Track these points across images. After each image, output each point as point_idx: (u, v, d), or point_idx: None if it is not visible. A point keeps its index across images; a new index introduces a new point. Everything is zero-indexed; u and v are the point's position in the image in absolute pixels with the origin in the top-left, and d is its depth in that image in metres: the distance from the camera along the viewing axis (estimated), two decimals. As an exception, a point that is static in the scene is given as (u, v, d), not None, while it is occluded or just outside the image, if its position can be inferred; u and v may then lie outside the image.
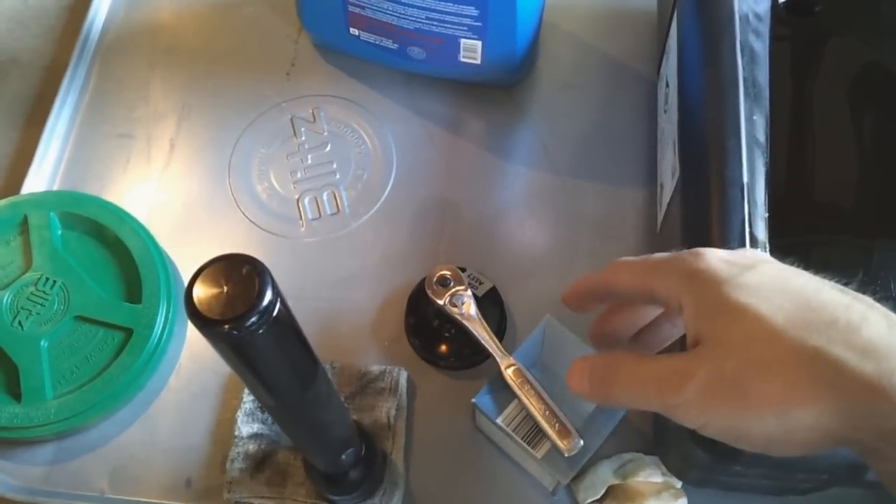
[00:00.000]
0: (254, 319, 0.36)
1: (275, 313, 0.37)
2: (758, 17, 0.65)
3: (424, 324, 0.68)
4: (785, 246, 0.56)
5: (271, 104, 0.81)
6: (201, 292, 0.36)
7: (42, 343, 0.68)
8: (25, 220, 0.72)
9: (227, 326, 0.36)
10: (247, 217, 0.75)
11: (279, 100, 0.81)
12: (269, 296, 0.37)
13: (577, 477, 0.62)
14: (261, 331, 0.37)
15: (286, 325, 0.39)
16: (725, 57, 0.61)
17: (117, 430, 0.68)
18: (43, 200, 0.73)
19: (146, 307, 0.69)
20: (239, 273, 0.37)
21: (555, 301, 0.70)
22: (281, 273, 0.71)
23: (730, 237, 0.55)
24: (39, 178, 0.77)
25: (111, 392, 0.67)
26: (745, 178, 0.56)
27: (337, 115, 0.80)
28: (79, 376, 0.68)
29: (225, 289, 0.37)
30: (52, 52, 0.86)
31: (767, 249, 0.55)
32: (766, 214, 0.56)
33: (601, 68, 0.82)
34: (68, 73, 0.82)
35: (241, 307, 0.36)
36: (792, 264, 0.44)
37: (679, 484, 0.62)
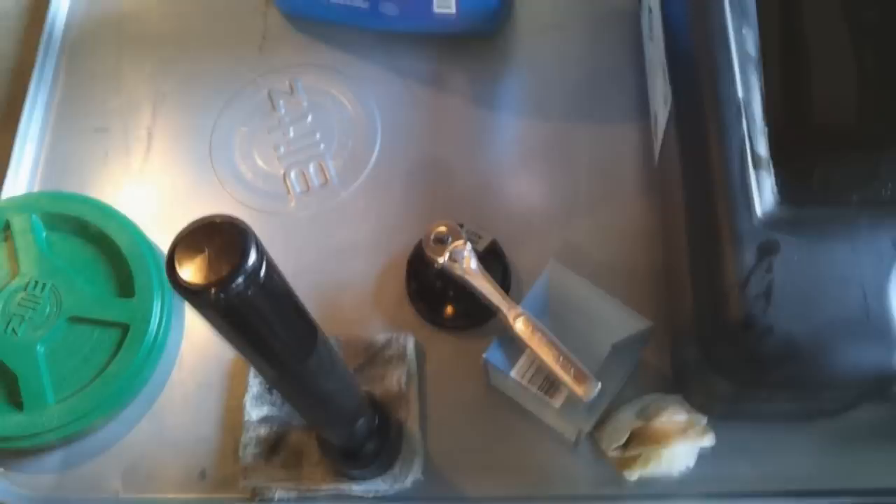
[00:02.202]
0: (240, 280, 0.34)
1: (261, 273, 0.35)
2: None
3: (426, 287, 0.66)
4: (789, 156, 0.54)
5: (246, 81, 0.78)
6: (183, 260, 0.35)
7: (38, 348, 0.66)
8: (8, 226, 0.70)
9: (213, 291, 0.34)
10: (234, 198, 0.73)
11: (254, 75, 0.78)
12: (253, 255, 0.35)
13: (599, 424, 0.60)
14: (249, 292, 0.35)
15: (276, 285, 0.37)
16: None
17: (125, 429, 0.66)
18: (23, 203, 0.71)
19: (140, 301, 0.67)
20: (220, 235, 0.35)
21: (559, 249, 0.69)
22: (275, 250, 0.69)
23: (730, 157, 0.52)
24: (18, 181, 0.75)
25: (114, 391, 0.65)
26: (741, 94, 0.54)
27: (315, 84, 0.77)
28: (79, 378, 0.66)
29: (207, 253, 0.35)
30: (17, 53, 0.84)
31: (771, 164, 0.53)
32: (766, 129, 0.54)
33: (581, 6, 0.79)
34: (35, 73, 0.79)
35: (225, 269, 0.34)
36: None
37: (704, 420, 0.60)
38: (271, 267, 0.36)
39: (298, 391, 0.47)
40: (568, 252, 0.69)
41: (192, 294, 0.34)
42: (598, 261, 0.68)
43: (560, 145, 0.73)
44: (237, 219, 0.35)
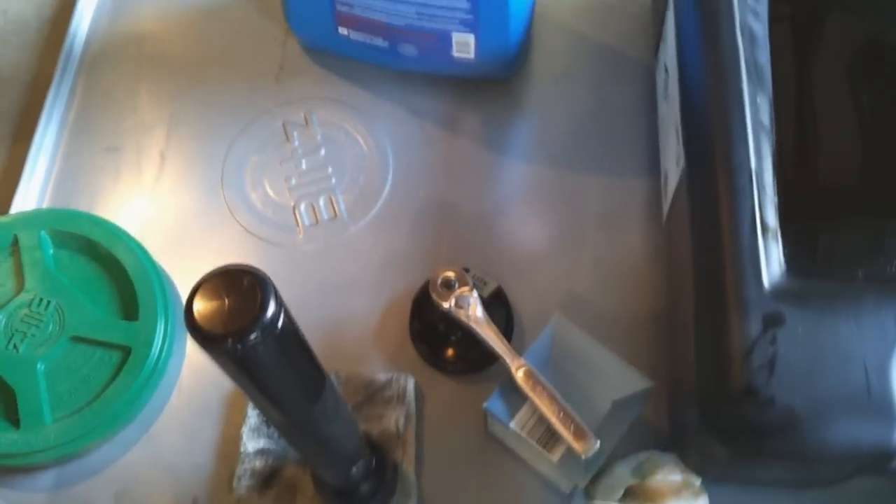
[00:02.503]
0: (257, 333, 0.34)
1: (279, 325, 0.35)
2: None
3: (430, 328, 0.66)
4: (797, 227, 0.54)
5: (262, 110, 0.79)
6: (201, 306, 0.35)
7: (39, 366, 0.66)
8: (16, 241, 0.70)
9: (230, 341, 0.34)
10: (242, 226, 0.74)
11: (270, 105, 0.79)
12: (272, 307, 0.35)
13: (594, 479, 0.60)
14: (265, 344, 0.35)
15: (291, 337, 0.38)
16: (725, 39, 0.59)
17: (120, 451, 0.66)
18: (33, 219, 0.72)
19: (144, 324, 0.67)
20: (240, 285, 0.35)
21: (562, 297, 0.69)
22: (280, 282, 0.69)
23: (740, 224, 0.53)
24: (28, 195, 0.75)
25: (112, 413, 0.65)
26: (753, 164, 0.54)
27: (330, 118, 0.78)
28: (78, 398, 0.66)
29: (226, 302, 0.35)
30: (36, 66, 0.84)
31: (779, 235, 0.54)
32: (776, 199, 0.55)
33: (596, 57, 0.80)
34: (53, 87, 0.80)
35: (244, 320, 0.34)
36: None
37: (699, 481, 0.60)
38: (289, 318, 0.36)
39: (302, 435, 0.48)
40: (571, 300, 0.69)
41: (209, 342, 0.34)
42: (600, 311, 0.69)
43: (569, 194, 0.74)
44: (258, 269, 0.36)
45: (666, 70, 0.69)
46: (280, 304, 0.35)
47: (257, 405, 0.44)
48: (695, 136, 0.60)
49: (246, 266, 0.36)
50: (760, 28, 0.62)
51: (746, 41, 0.60)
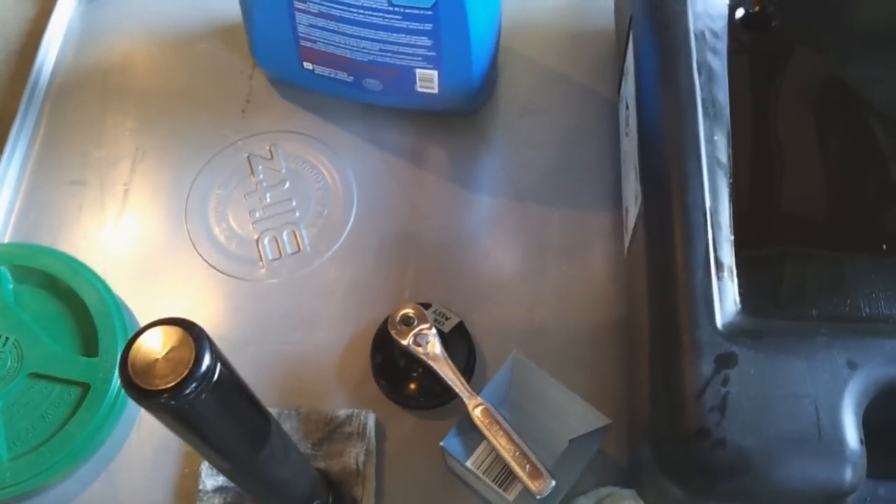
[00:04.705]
0: (193, 386, 0.34)
1: (215, 378, 0.35)
2: (714, 34, 0.64)
3: (391, 364, 0.66)
4: (753, 265, 0.55)
5: (227, 143, 0.79)
6: (136, 362, 0.35)
7: (-4, 403, 0.66)
8: (-24, 276, 0.70)
9: (164, 396, 0.34)
10: (205, 261, 0.73)
11: (235, 138, 0.79)
12: (207, 361, 0.35)
13: (554, 515, 0.60)
14: (201, 397, 0.35)
15: (229, 388, 0.38)
16: (682, 77, 0.60)
17: (78, 489, 0.66)
18: (-6, 254, 0.71)
19: (103, 360, 0.67)
20: (175, 338, 0.35)
21: (525, 330, 0.69)
22: (242, 316, 0.70)
23: (694, 264, 0.53)
24: (-11, 230, 0.75)
25: (70, 450, 0.64)
26: (708, 202, 0.55)
27: (295, 151, 0.78)
28: (35, 435, 0.65)
29: (161, 356, 0.35)
30: (1, 98, 0.84)
31: (734, 273, 0.54)
32: (732, 237, 0.55)
33: (562, 91, 0.80)
34: (17, 120, 0.80)
35: (178, 375, 0.34)
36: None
37: (658, 517, 0.60)
38: (227, 369, 0.36)
39: (249, 480, 0.47)
40: (533, 335, 0.69)
41: (142, 397, 0.34)
42: (562, 346, 0.68)
43: (532, 227, 0.74)
44: (191, 322, 0.36)
45: (627, 106, 0.69)
46: (216, 356, 0.35)
47: (201, 454, 0.44)
48: (651, 173, 0.60)
49: (180, 319, 0.36)
50: (720, 65, 0.62)
51: (704, 78, 0.61)
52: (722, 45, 0.64)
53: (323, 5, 0.69)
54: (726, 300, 0.53)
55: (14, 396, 0.66)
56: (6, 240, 0.75)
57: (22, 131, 0.80)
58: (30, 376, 0.67)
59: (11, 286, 0.70)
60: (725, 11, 0.65)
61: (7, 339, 0.67)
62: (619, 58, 0.77)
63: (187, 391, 0.34)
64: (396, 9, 0.67)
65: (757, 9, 0.65)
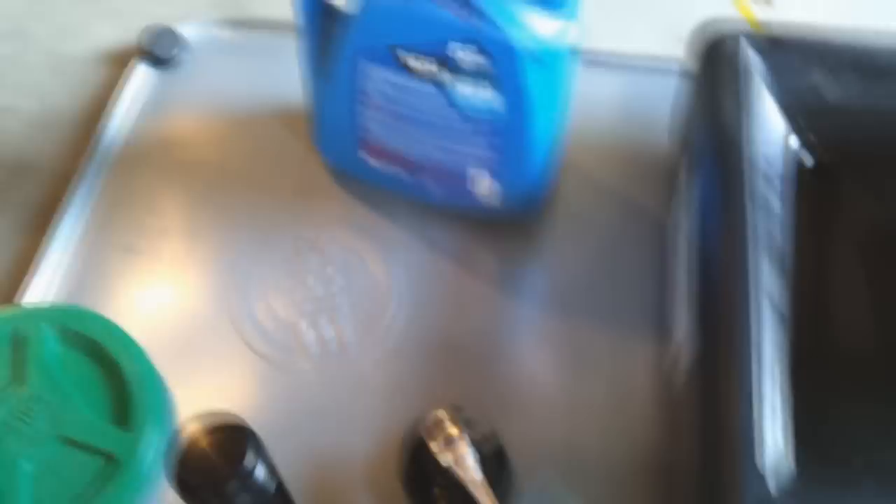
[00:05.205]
0: (236, 485, 0.35)
1: (259, 477, 0.36)
2: (774, 169, 0.64)
3: (421, 475, 0.65)
4: (803, 409, 0.54)
5: (279, 226, 0.80)
6: (184, 453, 0.35)
7: (23, 465, 0.65)
8: (21, 333, 0.70)
9: (208, 491, 0.35)
10: (246, 342, 0.74)
11: (287, 222, 0.80)
12: (254, 464, 0.36)
13: None
14: (242, 495, 0.35)
15: (268, 487, 0.38)
16: (741, 212, 0.60)
17: (94, 562, 0.65)
18: (41, 313, 0.72)
19: (136, 433, 0.67)
20: (225, 436, 0.36)
21: (557, 448, 0.69)
22: (275, 403, 0.71)
23: (743, 405, 0.53)
24: (39, 288, 0.76)
25: (91, 521, 0.64)
26: (761, 342, 0.55)
27: (345, 242, 0.79)
28: (59, 502, 0.65)
29: (208, 449, 0.35)
30: (61, 156, 0.86)
31: (783, 417, 0.53)
32: (784, 379, 0.55)
33: (617, 209, 0.81)
34: (79, 182, 0.81)
35: (223, 472, 0.35)
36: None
37: None
38: (270, 470, 0.37)
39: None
40: (566, 453, 0.68)
41: (185, 490, 0.35)
42: (596, 467, 0.68)
43: (574, 342, 0.74)
44: (242, 424, 0.36)
45: (680, 233, 0.69)
46: (261, 454, 0.36)
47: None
48: (704, 309, 0.60)
49: (231, 417, 0.36)
50: (777, 201, 0.63)
51: (762, 214, 0.61)
52: (781, 182, 0.64)
53: (390, 104, 0.71)
54: (774, 444, 0.52)
55: (43, 460, 0.66)
56: (52, 298, 0.76)
57: (82, 194, 0.81)
58: (61, 441, 0.67)
59: (55, 347, 0.70)
60: (785, 148, 0.66)
61: (44, 400, 0.68)
62: (673, 178, 0.78)
63: (230, 489, 0.35)
64: (463, 114, 0.69)
65: (816, 149, 0.66)
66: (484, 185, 0.74)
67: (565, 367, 0.73)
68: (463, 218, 0.79)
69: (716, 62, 0.69)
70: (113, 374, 0.70)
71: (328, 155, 0.82)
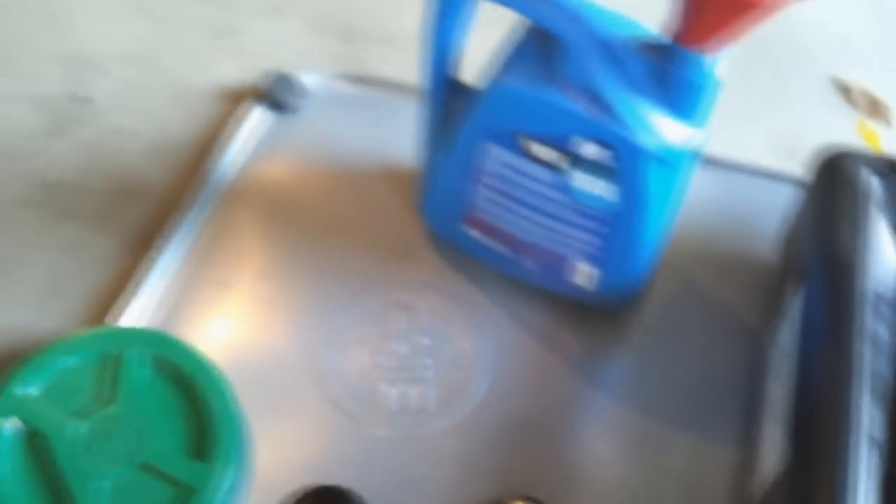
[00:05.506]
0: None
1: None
2: (885, 301, 0.63)
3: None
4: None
5: (374, 282, 0.81)
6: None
7: (104, 483, 0.66)
8: (115, 353, 0.72)
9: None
10: (326, 391, 0.74)
11: (383, 280, 0.81)
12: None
13: None
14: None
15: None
16: (850, 344, 0.59)
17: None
18: (143, 337, 0.73)
19: (215, 468, 0.67)
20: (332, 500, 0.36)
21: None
22: (348, 459, 0.71)
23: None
24: (134, 311, 0.78)
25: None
26: (861, 484, 0.54)
27: (438, 308, 0.80)
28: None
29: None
30: (175, 186, 0.88)
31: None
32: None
33: (710, 313, 0.81)
34: (186, 212, 0.83)
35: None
36: None
37: None
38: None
39: None
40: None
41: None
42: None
43: (650, 440, 0.74)
44: (351, 491, 0.37)
45: (782, 352, 0.69)
46: None
47: None
48: (799, 434, 0.59)
49: (340, 489, 0.37)
50: (886, 334, 0.62)
51: (870, 347, 0.60)
52: (891, 312, 0.63)
53: (503, 184, 0.72)
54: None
55: (122, 481, 0.67)
56: (145, 322, 0.78)
57: (189, 224, 0.83)
58: (141, 466, 0.68)
59: (150, 373, 0.72)
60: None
61: (133, 423, 0.69)
62: (775, 292, 0.77)
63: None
64: (576, 203, 0.69)
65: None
66: (583, 272, 0.74)
67: (637, 461, 0.73)
68: (554, 300, 0.80)
69: (834, 182, 0.69)
70: (198, 406, 0.71)
71: (431, 221, 0.83)
